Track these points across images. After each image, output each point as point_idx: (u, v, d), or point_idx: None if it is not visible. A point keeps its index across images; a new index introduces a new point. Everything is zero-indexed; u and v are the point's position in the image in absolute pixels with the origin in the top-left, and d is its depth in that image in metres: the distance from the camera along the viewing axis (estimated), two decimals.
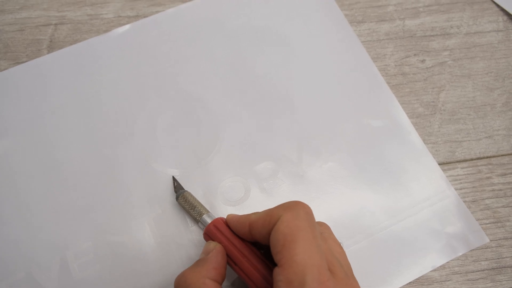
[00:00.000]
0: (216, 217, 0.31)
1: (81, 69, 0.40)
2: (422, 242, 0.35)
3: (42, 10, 0.43)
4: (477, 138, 0.40)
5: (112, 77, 0.40)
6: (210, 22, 0.43)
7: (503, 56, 0.43)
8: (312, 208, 0.27)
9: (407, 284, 0.34)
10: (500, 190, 0.38)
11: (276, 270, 0.24)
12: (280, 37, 0.42)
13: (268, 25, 0.43)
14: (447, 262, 0.35)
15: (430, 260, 0.34)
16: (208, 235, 0.30)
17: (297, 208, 0.26)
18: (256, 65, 0.41)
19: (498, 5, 0.45)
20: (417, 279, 0.34)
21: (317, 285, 0.23)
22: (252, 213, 0.28)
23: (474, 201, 0.37)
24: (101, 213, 0.35)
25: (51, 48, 0.41)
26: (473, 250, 0.35)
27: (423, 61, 0.42)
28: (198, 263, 0.27)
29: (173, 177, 0.36)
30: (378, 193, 0.36)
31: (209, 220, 0.32)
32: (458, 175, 0.38)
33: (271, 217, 0.26)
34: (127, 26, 0.42)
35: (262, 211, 0.27)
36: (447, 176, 0.37)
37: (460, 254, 0.35)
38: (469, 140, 0.39)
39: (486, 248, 0.35)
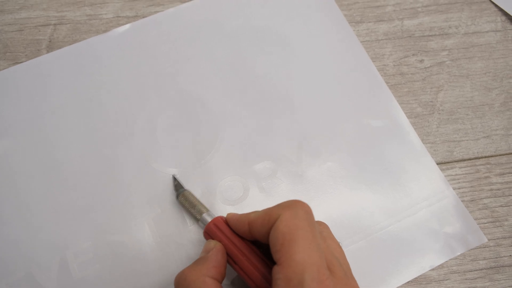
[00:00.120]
0: (216, 216, 0.31)
1: (81, 69, 0.40)
2: (420, 241, 0.35)
3: (41, 10, 0.43)
4: (475, 138, 0.40)
5: (111, 77, 0.40)
6: (210, 22, 0.43)
7: (501, 56, 0.43)
8: (311, 207, 0.27)
9: (405, 283, 0.34)
10: (498, 189, 0.38)
11: (275, 269, 0.24)
12: (280, 37, 0.42)
13: (267, 25, 0.43)
14: (445, 261, 0.35)
15: (429, 260, 0.34)
16: (208, 234, 0.30)
17: (296, 207, 0.26)
18: (255, 65, 0.41)
19: (496, 5, 0.45)
20: (415, 278, 0.34)
21: (316, 284, 0.23)
22: (252, 212, 0.28)
23: (472, 201, 0.37)
24: (100, 213, 0.35)
25: (50, 48, 0.41)
26: (471, 249, 0.35)
27: (421, 61, 0.43)
28: (198, 262, 0.28)
29: (173, 176, 0.36)
30: (377, 193, 0.37)
31: (209, 219, 0.32)
32: (456, 174, 0.38)
33: (271, 216, 0.26)
34: (126, 26, 0.42)
35: (261, 210, 0.27)
36: (445, 176, 0.38)
37: (459, 253, 0.35)
38: (467, 140, 0.40)
39: (484, 247, 0.36)
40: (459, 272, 0.35)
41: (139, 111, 0.39)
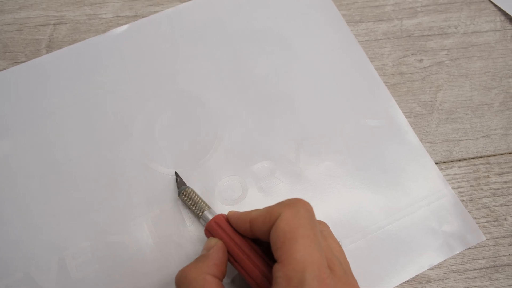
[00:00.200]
0: (217, 213, 0.31)
1: (80, 69, 0.40)
2: (419, 241, 0.35)
3: (41, 10, 0.43)
4: (474, 137, 0.40)
5: (111, 77, 0.40)
6: (209, 21, 0.43)
7: (501, 56, 0.43)
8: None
9: (404, 282, 0.34)
10: (498, 189, 0.38)
11: (276, 267, 0.24)
12: (279, 37, 0.42)
13: (266, 25, 0.43)
14: (444, 260, 0.35)
15: (427, 259, 0.34)
16: (209, 231, 0.30)
17: (297, 206, 0.26)
18: (254, 65, 0.41)
19: (495, 5, 0.45)
20: (414, 277, 0.34)
21: (316, 282, 0.23)
22: (253, 210, 0.28)
23: (471, 200, 0.37)
24: (100, 213, 0.35)
25: (50, 48, 0.41)
26: (470, 248, 0.35)
27: (420, 60, 0.43)
28: (199, 259, 0.28)
29: (176, 172, 0.36)
30: (376, 192, 0.37)
31: (210, 217, 0.32)
32: (455, 174, 0.38)
33: (272, 214, 0.26)
34: (126, 26, 0.42)
35: (262, 208, 0.27)
36: (444, 175, 0.38)
37: (457, 252, 0.35)
38: (466, 140, 0.40)
39: (483, 246, 0.36)
40: (458, 272, 0.35)
41: (138, 111, 0.39)
